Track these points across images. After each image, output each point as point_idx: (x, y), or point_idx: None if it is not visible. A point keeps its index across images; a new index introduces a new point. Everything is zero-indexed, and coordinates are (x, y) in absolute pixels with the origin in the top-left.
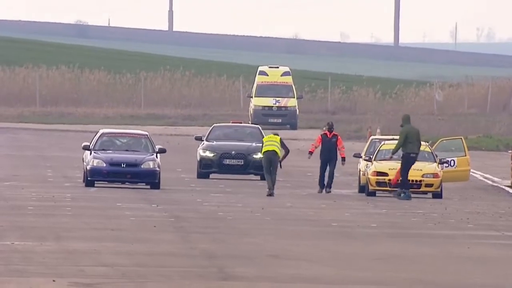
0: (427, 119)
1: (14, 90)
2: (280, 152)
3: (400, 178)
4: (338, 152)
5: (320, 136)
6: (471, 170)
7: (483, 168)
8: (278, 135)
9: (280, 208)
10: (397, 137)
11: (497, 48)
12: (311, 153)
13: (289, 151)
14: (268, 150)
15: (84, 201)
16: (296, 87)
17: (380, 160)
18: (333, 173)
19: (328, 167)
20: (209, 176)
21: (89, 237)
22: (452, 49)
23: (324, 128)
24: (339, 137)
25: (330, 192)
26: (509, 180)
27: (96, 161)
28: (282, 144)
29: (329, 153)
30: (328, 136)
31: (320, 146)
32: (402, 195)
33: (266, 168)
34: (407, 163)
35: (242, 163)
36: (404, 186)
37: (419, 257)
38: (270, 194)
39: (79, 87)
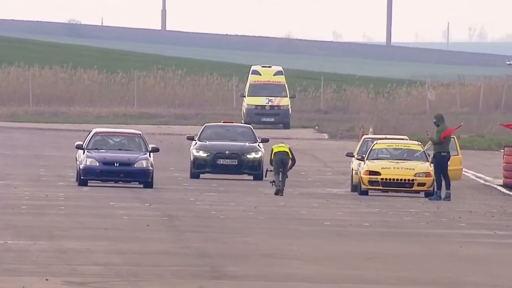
0: (419, 118)
1: (7, 89)
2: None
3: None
4: None
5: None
6: (463, 169)
7: (475, 167)
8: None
9: (273, 207)
10: (390, 136)
11: (489, 48)
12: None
13: (295, 161)
14: (279, 151)
15: (77, 200)
16: (289, 86)
17: (372, 159)
18: None
19: None
20: (200, 176)
21: (82, 236)
22: (445, 48)
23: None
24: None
25: None
26: (501, 179)
27: (89, 160)
28: (291, 153)
29: None
30: None
31: None
32: (434, 196)
33: (276, 170)
34: (439, 162)
35: (236, 163)
36: (437, 186)
37: (412, 256)
38: (279, 192)
39: (72, 86)
